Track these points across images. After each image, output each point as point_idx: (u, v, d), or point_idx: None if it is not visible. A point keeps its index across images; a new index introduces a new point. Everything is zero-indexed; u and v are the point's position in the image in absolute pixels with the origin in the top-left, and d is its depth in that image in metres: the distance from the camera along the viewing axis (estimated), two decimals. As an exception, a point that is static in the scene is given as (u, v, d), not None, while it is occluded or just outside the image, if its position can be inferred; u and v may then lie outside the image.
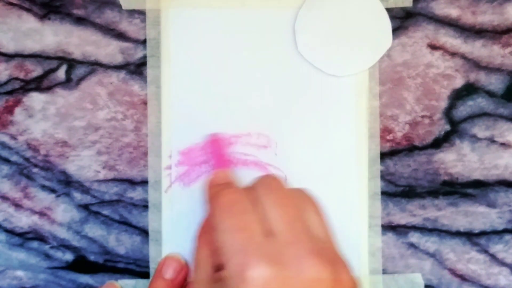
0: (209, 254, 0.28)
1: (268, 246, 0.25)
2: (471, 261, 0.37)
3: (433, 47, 0.37)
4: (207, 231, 0.30)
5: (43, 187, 0.37)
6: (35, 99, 0.37)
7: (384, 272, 0.37)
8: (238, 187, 0.30)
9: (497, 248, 0.37)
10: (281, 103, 0.36)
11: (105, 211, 0.37)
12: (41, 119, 0.37)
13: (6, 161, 0.37)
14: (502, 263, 0.37)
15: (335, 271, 0.25)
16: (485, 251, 0.37)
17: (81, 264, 0.37)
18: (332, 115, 0.36)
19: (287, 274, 0.24)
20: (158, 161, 0.36)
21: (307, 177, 0.36)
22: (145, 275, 0.37)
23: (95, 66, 0.37)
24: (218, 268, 0.26)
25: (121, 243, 0.37)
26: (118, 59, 0.37)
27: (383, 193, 0.37)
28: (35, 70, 0.37)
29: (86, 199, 0.37)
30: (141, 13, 0.36)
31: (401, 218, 0.37)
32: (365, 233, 0.36)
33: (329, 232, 0.28)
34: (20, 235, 0.37)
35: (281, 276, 0.24)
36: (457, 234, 0.37)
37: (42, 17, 0.37)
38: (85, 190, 0.37)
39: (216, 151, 0.35)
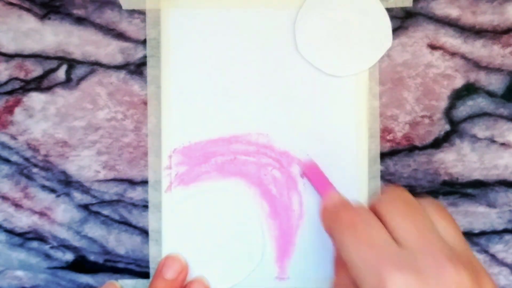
0: (346, 275, 0.27)
1: (401, 256, 0.24)
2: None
3: (433, 47, 0.37)
4: (340, 258, 0.28)
5: (43, 187, 0.37)
6: (35, 99, 0.37)
7: (384, 272, 0.37)
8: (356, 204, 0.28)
9: (497, 248, 0.37)
10: (281, 103, 0.36)
11: (105, 211, 0.37)
12: (41, 119, 0.37)
13: (6, 161, 0.37)
14: (502, 263, 0.37)
15: (475, 276, 0.24)
16: (485, 251, 0.37)
17: (81, 264, 0.37)
18: (332, 115, 0.36)
19: (427, 281, 0.23)
20: (158, 161, 0.36)
21: (307, 177, 0.36)
22: (145, 275, 0.37)
23: (95, 66, 0.37)
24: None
25: (121, 243, 0.37)
26: (118, 59, 0.37)
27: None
28: (35, 70, 0.37)
29: (86, 199, 0.37)
30: (141, 13, 0.37)
31: (401, 218, 0.37)
32: (365, 233, 0.36)
33: (463, 239, 0.27)
34: (20, 235, 0.37)
35: (421, 284, 0.23)
36: (457, 234, 0.37)
37: (42, 17, 0.37)
38: (85, 190, 0.37)
39: (315, 176, 0.34)
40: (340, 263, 0.28)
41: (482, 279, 0.24)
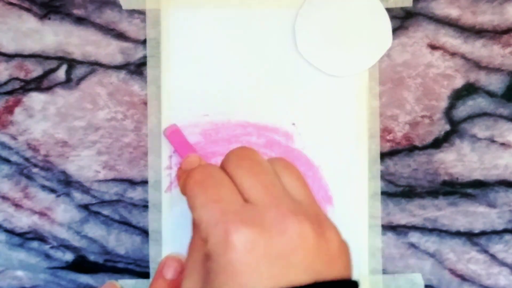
0: (199, 238, 0.27)
1: (247, 212, 0.25)
2: (471, 261, 0.37)
3: (433, 47, 0.37)
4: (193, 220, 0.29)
5: (43, 187, 0.37)
6: (35, 99, 0.37)
7: (384, 272, 0.37)
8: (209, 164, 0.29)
9: (497, 248, 0.37)
10: (281, 103, 0.36)
11: (105, 211, 0.37)
12: (41, 119, 0.37)
13: (6, 161, 0.37)
14: (502, 263, 0.37)
15: (318, 227, 0.25)
16: (485, 251, 0.37)
17: (81, 264, 0.37)
18: (332, 115, 0.36)
19: (270, 234, 0.24)
20: (158, 161, 0.36)
21: (307, 177, 0.36)
22: (145, 275, 0.37)
23: (95, 66, 0.37)
24: (205, 249, 0.26)
25: (121, 243, 0.37)
26: (118, 59, 0.37)
27: (383, 193, 0.37)
28: (35, 70, 0.37)
29: (86, 199, 0.37)
30: (141, 13, 0.37)
31: (401, 218, 0.37)
32: (365, 233, 0.36)
33: (311, 196, 0.27)
34: (20, 235, 0.37)
35: (265, 237, 0.24)
36: (457, 234, 0.37)
37: (42, 17, 0.37)
38: (85, 190, 0.37)
39: (177, 141, 0.35)
40: (194, 224, 0.28)
41: (325, 229, 0.25)
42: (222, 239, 0.24)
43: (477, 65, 0.37)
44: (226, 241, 0.24)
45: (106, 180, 0.37)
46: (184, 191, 0.28)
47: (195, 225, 0.28)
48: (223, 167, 0.27)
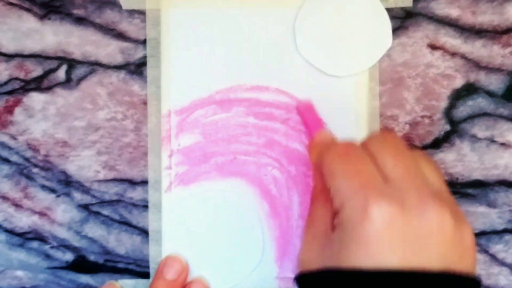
0: (325, 209, 0.27)
1: (388, 189, 0.25)
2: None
3: (433, 47, 0.37)
4: (321, 191, 0.29)
5: (43, 187, 0.37)
6: (35, 99, 0.37)
7: (384, 272, 0.37)
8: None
9: (497, 248, 0.37)
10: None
11: (105, 211, 0.37)
12: (41, 119, 0.37)
13: (6, 161, 0.37)
14: (502, 263, 0.37)
15: (456, 219, 0.24)
16: (485, 251, 0.37)
17: (81, 264, 0.37)
18: (332, 115, 0.36)
19: (409, 214, 0.24)
20: (158, 161, 0.36)
21: (307, 177, 0.36)
22: (145, 275, 0.37)
23: (95, 66, 0.37)
24: (334, 218, 0.26)
25: (121, 243, 0.37)
26: (118, 59, 0.37)
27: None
28: (35, 70, 0.37)
29: (86, 199, 0.37)
30: (141, 13, 0.37)
31: (401, 218, 0.37)
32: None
33: (447, 188, 0.27)
34: (20, 235, 0.37)
35: (404, 216, 0.24)
36: (457, 234, 0.37)
37: (42, 17, 0.37)
38: (85, 190, 0.37)
39: (310, 115, 0.35)
40: (320, 197, 0.28)
41: (461, 221, 0.25)
42: (360, 209, 0.24)
43: (477, 65, 0.37)
44: (364, 212, 0.24)
45: (106, 180, 0.37)
46: (318, 162, 0.28)
47: (323, 193, 0.28)
48: (364, 145, 0.28)
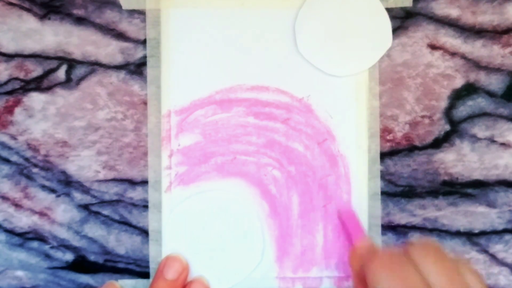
0: None
1: None
2: (471, 261, 0.37)
3: (433, 47, 0.37)
4: None
5: (43, 187, 0.37)
6: (35, 99, 0.37)
7: (384, 272, 0.37)
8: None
9: (497, 248, 0.37)
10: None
11: (105, 211, 0.37)
12: (41, 119, 0.37)
13: (6, 161, 0.37)
14: (502, 263, 0.37)
15: None
16: (485, 251, 0.37)
17: (81, 264, 0.37)
18: (332, 115, 0.36)
19: None
20: (158, 161, 0.36)
21: (307, 177, 0.36)
22: (145, 275, 0.37)
23: (95, 66, 0.37)
24: None
25: (121, 243, 0.37)
26: (118, 59, 0.37)
27: (383, 193, 0.37)
28: (35, 70, 0.37)
29: (86, 199, 0.37)
30: (141, 13, 0.37)
31: (401, 218, 0.37)
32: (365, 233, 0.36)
33: None
34: (20, 235, 0.37)
35: None
36: (457, 234, 0.37)
37: (42, 17, 0.37)
38: (85, 190, 0.37)
39: (351, 222, 0.35)
40: None
41: None
42: None
43: (477, 65, 0.37)
44: None
45: (106, 180, 0.37)
46: (364, 270, 0.28)
47: None
48: (407, 254, 0.28)
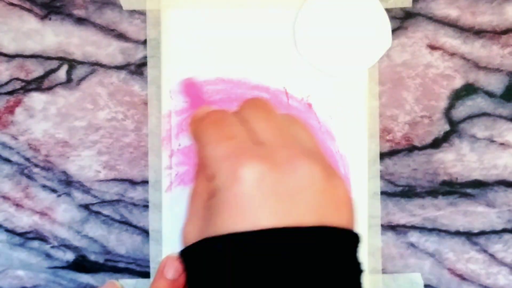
0: (203, 182, 0.27)
1: (258, 150, 0.25)
2: (470, 261, 0.37)
3: (432, 47, 0.37)
4: (199, 165, 0.29)
5: (44, 187, 0.37)
6: (36, 99, 0.37)
7: (384, 271, 0.37)
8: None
9: (496, 247, 0.37)
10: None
11: (106, 211, 0.37)
12: (41, 119, 0.37)
13: (7, 161, 0.37)
14: (501, 262, 0.37)
15: (327, 173, 0.25)
16: (484, 251, 0.37)
17: (81, 263, 0.37)
18: (332, 115, 0.36)
19: (280, 171, 0.24)
20: (159, 161, 0.36)
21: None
22: (145, 274, 0.37)
23: (95, 66, 0.37)
24: (210, 188, 0.26)
25: (121, 242, 0.37)
26: (119, 59, 0.37)
27: (383, 193, 0.37)
28: (36, 70, 0.37)
29: (87, 199, 0.37)
30: (142, 13, 0.37)
31: (400, 218, 0.37)
32: (365, 233, 0.36)
33: (320, 147, 0.28)
34: (21, 235, 0.37)
35: (274, 173, 0.24)
36: (457, 233, 0.37)
37: (43, 17, 0.37)
38: (85, 190, 0.37)
39: (193, 93, 0.34)
40: (200, 172, 0.28)
41: (333, 176, 0.25)
42: (231, 172, 0.24)
43: (477, 65, 0.37)
44: (235, 174, 0.24)
45: (106, 180, 0.37)
46: (194, 133, 0.28)
47: (201, 166, 0.28)
48: (237, 113, 0.28)
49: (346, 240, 0.25)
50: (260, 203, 0.23)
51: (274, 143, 0.26)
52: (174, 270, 0.34)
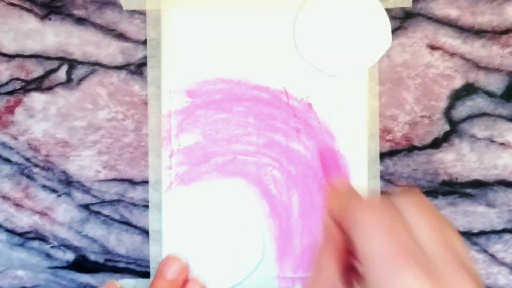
0: (333, 267, 0.25)
1: (420, 254, 0.22)
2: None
3: (432, 47, 0.37)
4: (332, 242, 0.26)
5: (44, 187, 0.37)
6: (36, 99, 0.37)
7: (384, 271, 0.37)
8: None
9: (496, 247, 0.37)
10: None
11: (106, 211, 0.37)
12: (41, 119, 0.37)
13: (7, 161, 0.37)
14: (501, 262, 0.37)
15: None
16: (484, 251, 0.37)
17: (81, 263, 0.37)
18: (332, 115, 0.36)
19: (442, 285, 0.22)
20: (159, 161, 0.36)
21: (307, 177, 0.36)
22: (145, 274, 0.37)
23: (95, 66, 0.37)
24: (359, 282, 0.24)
25: (121, 242, 0.37)
26: (119, 59, 0.37)
27: (383, 193, 0.37)
28: (36, 70, 0.37)
29: (87, 199, 0.37)
30: (142, 13, 0.37)
31: (400, 218, 0.37)
32: (365, 233, 0.36)
33: (471, 258, 0.26)
34: (21, 235, 0.37)
35: (435, 286, 0.21)
36: (457, 233, 0.37)
37: (43, 17, 0.37)
38: (85, 190, 0.37)
39: (330, 159, 0.32)
40: (329, 250, 0.26)
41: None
42: (389, 274, 0.22)
43: (476, 65, 0.37)
44: (393, 278, 0.22)
45: (106, 180, 0.37)
46: (346, 214, 0.25)
47: (335, 248, 0.26)
48: (387, 198, 0.25)
49: None
50: None
51: (433, 248, 0.23)
52: (173, 270, 0.34)
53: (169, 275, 0.34)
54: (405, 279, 0.21)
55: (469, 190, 0.37)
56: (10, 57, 0.37)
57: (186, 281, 0.35)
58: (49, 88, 0.37)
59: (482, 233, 0.37)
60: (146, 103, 0.37)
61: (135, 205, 0.37)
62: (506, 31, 0.37)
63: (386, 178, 0.37)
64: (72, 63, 0.37)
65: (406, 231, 0.23)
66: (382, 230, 0.23)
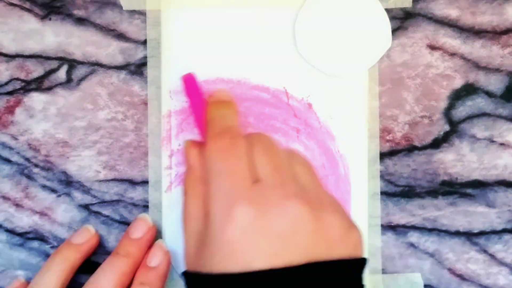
0: (199, 204, 0.29)
1: (254, 190, 0.26)
2: (470, 261, 0.37)
3: (432, 47, 0.37)
4: (196, 181, 0.30)
5: (44, 187, 0.37)
6: (36, 99, 0.37)
7: (384, 272, 0.37)
8: (236, 129, 0.30)
9: (496, 248, 0.37)
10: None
11: (106, 211, 0.37)
12: (41, 119, 0.37)
13: (7, 161, 0.37)
14: (501, 262, 0.37)
15: (319, 212, 0.26)
16: (484, 251, 0.37)
17: (81, 263, 0.37)
18: (332, 115, 0.36)
19: (270, 213, 0.25)
20: (158, 161, 0.36)
21: (307, 177, 0.36)
22: (145, 274, 0.37)
23: (95, 66, 0.37)
24: (207, 216, 0.27)
25: (121, 243, 0.37)
26: (119, 59, 0.37)
27: (383, 193, 0.37)
28: (36, 70, 0.37)
29: (87, 199, 0.37)
30: (142, 13, 0.37)
31: (400, 218, 0.37)
32: (365, 233, 0.36)
33: (318, 183, 0.29)
34: (21, 235, 0.37)
35: (265, 216, 0.25)
36: (457, 234, 0.37)
37: (43, 17, 0.37)
38: (85, 190, 0.37)
39: (194, 89, 0.34)
40: (194, 188, 0.30)
41: (326, 214, 0.26)
42: (225, 211, 0.25)
43: (477, 65, 0.37)
44: (228, 214, 0.25)
45: (106, 180, 0.37)
46: (205, 160, 0.29)
47: (198, 183, 0.29)
48: (244, 139, 0.29)
49: (341, 270, 0.25)
50: (252, 246, 0.24)
51: (271, 180, 0.27)
52: (139, 230, 0.35)
53: (134, 234, 0.34)
54: (236, 213, 0.25)
55: (469, 190, 0.37)
56: (10, 57, 0.37)
57: (152, 246, 0.35)
58: (49, 88, 0.37)
59: (482, 233, 0.37)
60: (146, 103, 0.37)
61: (135, 205, 0.37)
62: (506, 31, 0.37)
63: (386, 178, 0.37)
64: (72, 63, 0.37)
65: (244, 169, 0.27)
66: (222, 170, 0.27)
